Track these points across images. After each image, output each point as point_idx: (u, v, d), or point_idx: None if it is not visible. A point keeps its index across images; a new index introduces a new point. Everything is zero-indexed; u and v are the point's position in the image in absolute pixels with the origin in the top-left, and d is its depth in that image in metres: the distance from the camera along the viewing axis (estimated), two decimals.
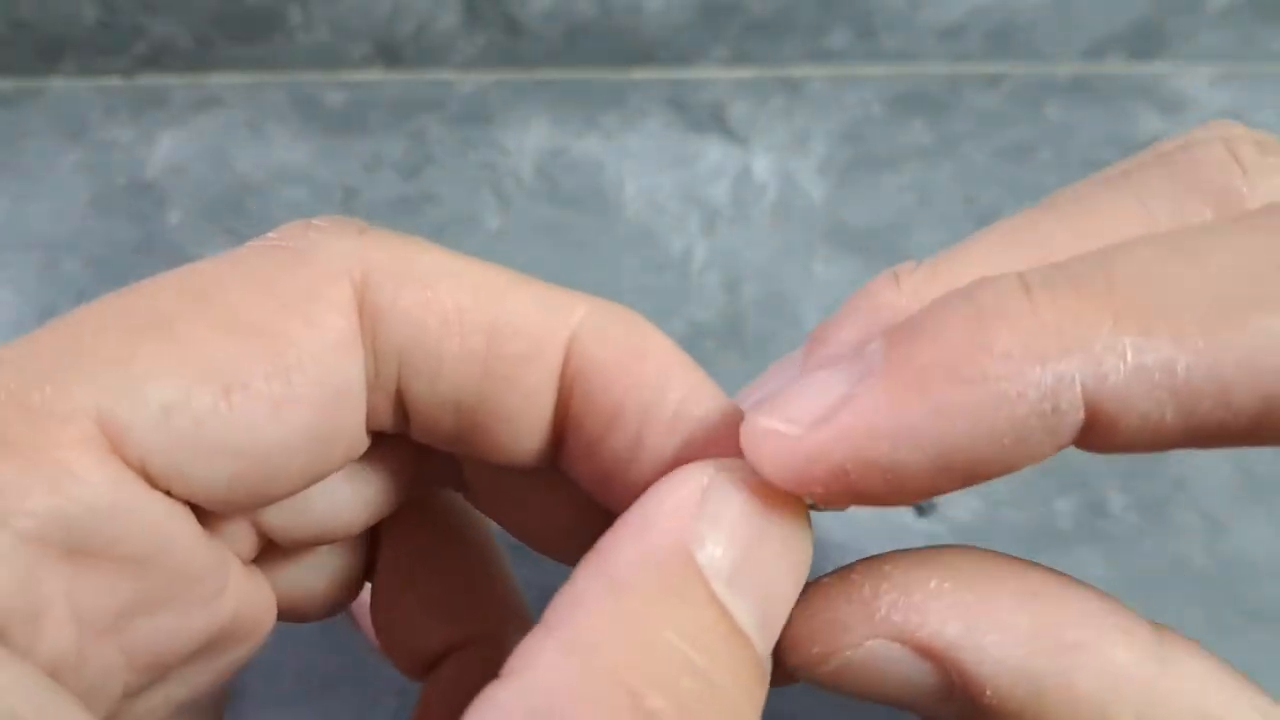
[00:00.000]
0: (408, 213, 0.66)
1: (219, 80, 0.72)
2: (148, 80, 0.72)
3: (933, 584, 0.20)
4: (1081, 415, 0.17)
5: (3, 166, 0.68)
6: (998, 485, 0.56)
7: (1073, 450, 0.57)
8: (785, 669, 0.23)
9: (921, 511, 0.54)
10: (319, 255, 0.21)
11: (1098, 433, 0.18)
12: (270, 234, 0.23)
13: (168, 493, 0.20)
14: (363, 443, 0.23)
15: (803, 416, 0.19)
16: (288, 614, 0.28)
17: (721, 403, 0.23)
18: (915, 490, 0.18)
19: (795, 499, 0.20)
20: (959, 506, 0.55)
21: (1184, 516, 0.55)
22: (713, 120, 0.71)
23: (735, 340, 0.60)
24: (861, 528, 0.54)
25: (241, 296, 0.20)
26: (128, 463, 0.18)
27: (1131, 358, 0.16)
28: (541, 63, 0.72)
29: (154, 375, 0.19)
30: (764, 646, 0.19)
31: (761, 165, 0.68)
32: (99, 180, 0.67)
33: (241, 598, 0.22)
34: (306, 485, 0.22)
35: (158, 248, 0.64)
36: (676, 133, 0.70)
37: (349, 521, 0.25)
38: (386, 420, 0.23)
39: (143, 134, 0.70)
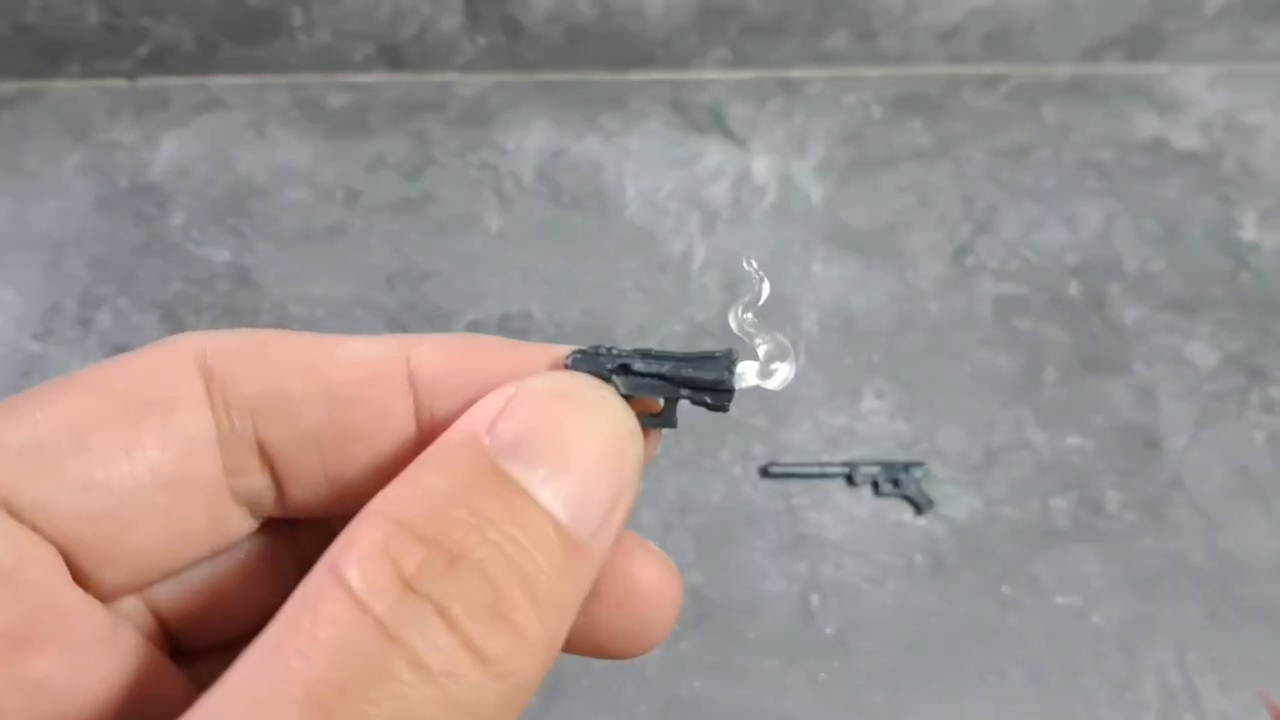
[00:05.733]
0: (409, 213, 0.66)
1: (222, 82, 0.72)
2: (151, 82, 0.73)
3: None
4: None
5: (7, 167, 0.68)
6: (996, 484, 0.57)
7: (1071, 450, 0.57)
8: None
9: (920, 510, 0.55)
10: (167, 342, 0.25)
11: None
12: None
13: (33, 528, 0.22)
14: (229, 510, 0.25)
15: None
16: None
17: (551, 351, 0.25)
18: None
19: (608, 400, 0.23)
20: (958, 506, 0.55)
21: (1181, 515, 0.55)
22: (712, 121, 0.71)
23: (734, 339, 0.61)
24: (861, 526, 0.55)
25: (105, 375, 0.24)
26: None
27: None
28: (542, 64, 0.72)
29: (17, 427, 0.23)
30: (569, 511, 0.21)
31: (761, 166, 0.69)
32: (102, 181, 0.68)
33: (134, 673, 0.24)
34: (171, 548, 0.24)
35: (161, 248, 0.64)
36: (676, 134, 0.70)
37: (240, 613, 0.27)
38: (258, 484, 0.25)
39: (146, 135, 0.70)
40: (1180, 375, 0.60)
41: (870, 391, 0.59)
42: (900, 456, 0.57)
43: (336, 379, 0.24)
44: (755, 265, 0.25)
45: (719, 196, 0.67)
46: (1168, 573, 0.54)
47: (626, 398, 0.23)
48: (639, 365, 0.23)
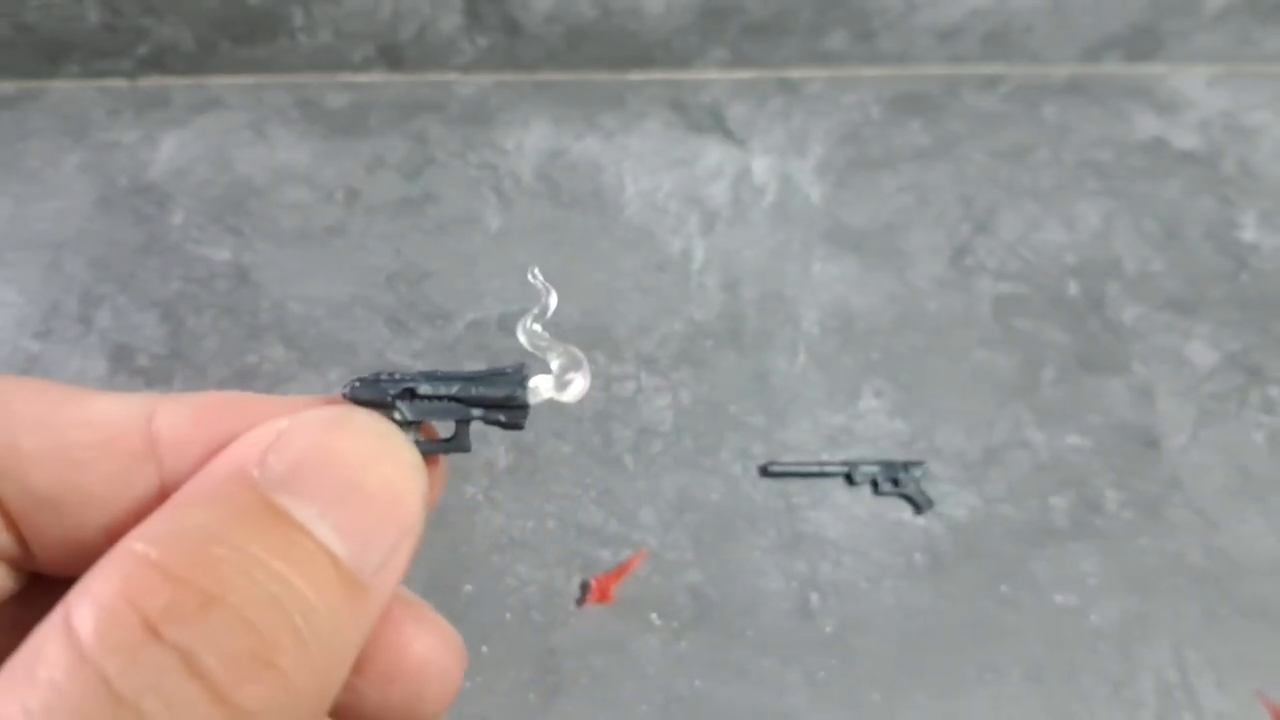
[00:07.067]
0: (409, 213, 0.66)
1: (221, 82, 0.72)
2: (150, 82, 0.73)
3: None
4: None
5: (7, 167, 0.69)
6: (995, 483, 0.57)
7: (1069, 448, 0.57)
8: None
9: (919, 509, 0.55)
10: None
11: None
12: None
13: None
14: None
15: None
16: None
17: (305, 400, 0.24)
18: None
19: (390, 432, 0.21)
20: (957, 504, 0.55)
21: (1179, 514, 0.55)
22: (712, 121, 0.71)
23: (734, 339, 0.61)
24: (860, 525, 0.55)
25: None
26: None
27: None
28: (542, 64, 0.72)
29: None
30: (349, 547, 0.19)
31: (760, 166, 0.69)
32: (102, 181, 0.68)
33: None
34: None
35: (160, 248, 0.64)
36: (676, 134, 0.70)
37: None
38: (3, 541, 0.23)
39: (146, 135, 0.70)
40: (1179, 375, 0.60)
41: (869, 391, 0.59)
42: (899, 455, 0.57)
43: (71, 438, 0.22)
44: (541, 277, 0.24)
45: (718, 196, 0.67)
46: (1165, 572, 0.54)
47: (415, 423, 0.22)
48: (425, 388, 0.22)
